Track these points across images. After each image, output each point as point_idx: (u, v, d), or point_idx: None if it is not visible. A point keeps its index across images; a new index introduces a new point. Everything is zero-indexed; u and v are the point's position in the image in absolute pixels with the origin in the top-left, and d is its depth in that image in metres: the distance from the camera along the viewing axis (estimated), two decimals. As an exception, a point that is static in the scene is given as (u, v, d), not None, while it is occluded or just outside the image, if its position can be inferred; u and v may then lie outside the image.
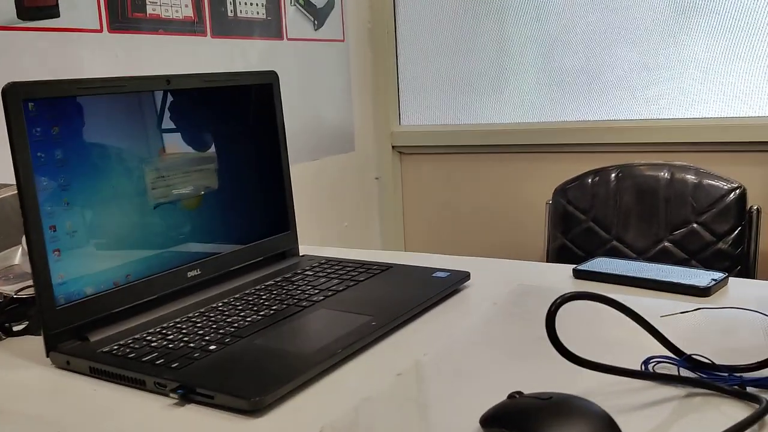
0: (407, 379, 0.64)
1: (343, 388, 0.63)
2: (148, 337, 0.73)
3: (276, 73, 0.99)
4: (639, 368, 0.61)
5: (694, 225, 1.64)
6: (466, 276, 0.90)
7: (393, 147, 2.36)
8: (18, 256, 0.96)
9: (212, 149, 0.90)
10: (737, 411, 0.54)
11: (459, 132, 2.26)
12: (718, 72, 1.94)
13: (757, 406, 0.54)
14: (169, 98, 0.85)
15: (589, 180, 1.75)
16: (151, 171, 0.82)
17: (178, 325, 0.76)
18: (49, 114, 0.72)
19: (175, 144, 0.86)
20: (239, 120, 0.95)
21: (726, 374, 0.59)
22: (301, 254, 1.04)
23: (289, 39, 1.90)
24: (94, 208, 0.76)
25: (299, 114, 1.95)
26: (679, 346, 0.62)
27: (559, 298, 0.55)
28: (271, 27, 1.84)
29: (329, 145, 2.12)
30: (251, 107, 0.96)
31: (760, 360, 0.61)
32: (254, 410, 0.59)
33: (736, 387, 0.57)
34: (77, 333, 0.73)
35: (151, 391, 0.64)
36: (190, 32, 1.60)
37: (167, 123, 0.85)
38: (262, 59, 1.80)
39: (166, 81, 0.84)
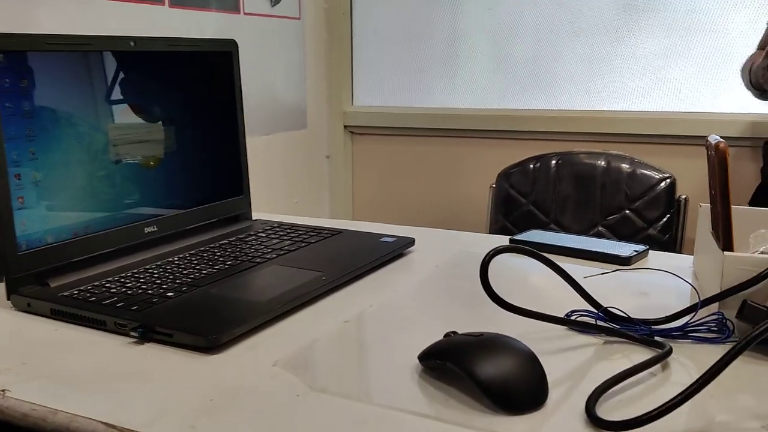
0: (353, 325, 0.70)
1: (294, 331, 0.68)
2: (107, 284, 0.76)
3: (236, 42, 1.03)
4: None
5: (627, 211, 1.74)
6: (411, 241, 0.96)
7: (345, 126, 2.41)
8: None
9: (172, 112, 0.94)
10: (645, 356, 0.61)
11: (410, 114, 2.32)
12: (656, 68, 2.04)
13: (661, 351, 0.61)
14: (134, 59, 0.88)
15: (531, 166, 1.83)
16: (114, 129, 0.85)
17: (136, 275, 0.80)
18: (19, 66, 0.74)
19: (137, 104, 0.89)
20: (199, 85, 0.98)
21: (638, 326, 0.66)
22: (254, 219, 1.08)
23: (245, 13, 1.92)
24: (58, 161, 0.78)
25: (253, 88, 1.97)
26: (599, 302, 0.69)
27: (492, 249, 0.61)
28: (229, 0, 1.86)
29: (282, 121, 2.15)
30: (211, 73, 1.00)
31: (668, 314, 0.68)
32: (211, 347, 0.63)
33: (645, 336, 0.65)
34: (38, 279, 0.77)
35: (111, 331, 0.68)
36: (149, 0, 1.61)
37: (131, 83, 0.88)
38: (218, 31, 1.82)
39: (132, 42, 0.87)
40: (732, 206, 0.69)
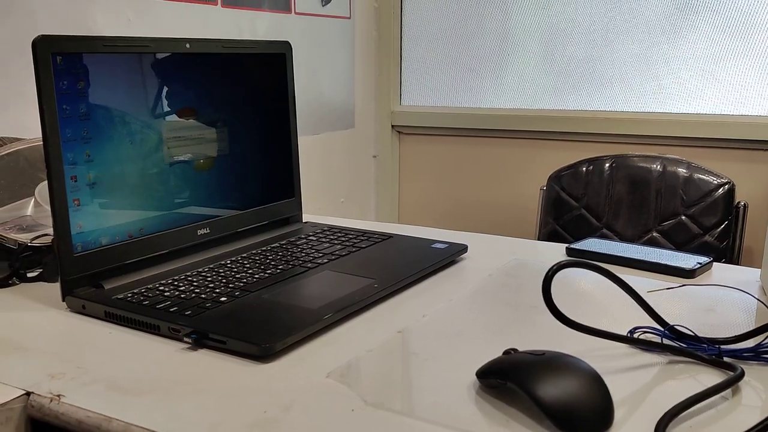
0: (408, 336, 0.68)
1: (347, 341, 0.67)
2: (161, 288, 0.76)
3: (289, 44, 1.02)
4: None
5: (683, 217, 1.69)
6: (464, 248, 0.94)
7: (392, 126, 2.39)
8: (30, 207, 0.99)
9: (226, 113, 0.93)
10: (714, 378, 0.59)
11: (458, 115, 2.29)
12: (715, 69, 1.97)
13: (732, 373, 0.58)
14: (188, 61, 0.88)
15: (584, 168, 1.79)
16: (168, 130, 0.85)
17: (189, 278, 0.80)
18: (76, 68, 0.74)
19: (191, 106, 0.88)
20: (252, 87, 0.98)
21: (705, 345, 0.63)
22: (304, 221, 1.07)
23: (296, 13, 1.92)
24: (113, 163, 0.79)
25: (302, 88, 1.97)
26: (663, 318, 0.66)
27: (556, 264, 0.59)
28: (280, 0, 1.86)
29: (330, 120, 2.15)
30: (265, 75, 0.99)
31: (737, 334, 0.65)
32: (264, 355, 0.62)
33: (714, 356, 0.62)
34: (92, 281, 0.77)
35: (164, 336, 0.68)
36: (202, 0, 1.62)
37: (185, 85, 0.87)
38: (269, 31, 1.83)
39: (187, 44, 0.87)
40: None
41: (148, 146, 0.83)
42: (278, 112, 1.02)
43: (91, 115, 0.76)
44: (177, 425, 0.51)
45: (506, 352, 0.57)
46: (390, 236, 1.00)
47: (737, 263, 1.68)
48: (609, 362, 0.62)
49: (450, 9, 2.27)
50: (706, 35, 1.96)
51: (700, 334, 0.65)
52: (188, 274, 0.81)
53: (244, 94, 0.96)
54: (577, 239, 1.77)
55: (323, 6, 2.02)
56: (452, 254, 0.92)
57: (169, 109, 0.85)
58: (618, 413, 0.53)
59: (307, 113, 2.02)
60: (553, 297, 0.61)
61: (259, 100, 0.99)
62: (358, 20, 2.21)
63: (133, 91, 0.81)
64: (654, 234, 1.71)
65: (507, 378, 0.53)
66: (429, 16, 2.31)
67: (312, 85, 2.03)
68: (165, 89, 0.85)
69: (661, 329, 0.65)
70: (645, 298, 0.66)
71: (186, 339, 0.65)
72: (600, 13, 2.08)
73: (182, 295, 0.74)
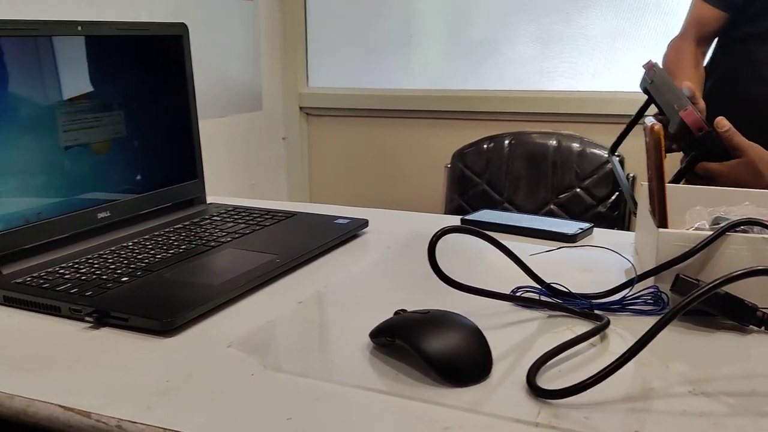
0: (307, 306, 0.72)
1: (248, 313, 0.70)
2: (61, 271, 0.77)
3: (186, 25, 1.02)
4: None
5: (577, 189, 1.78)
6: (364, 223, 0.98)
7: (300, 108, 2.41)
8: None
9: (122, 96, 0.93)
10: (585, 328, 0.65)
11: (365, 96, 2.33)
12: (606, 49, 2.09)
13: (600, 323, 0.64)
14: (81, 44, 0.87)
15: (485, 146, 1.86)
16: (63, 114, 0.85)
17: (90, 261, 0.80)
18: (-38, 52, 0.73)
19: (85, 89, 0.88)
20: (149, 69, 0.98)
21: (578, 300, 0.70)
22: (208, 203, 1.08)
23: (197, -5, 1.90)
24: (6, 148, 0.78)
25: (206, 70, 1.96)
26: (542, 278, 0.72)
27: (439, 230, 0.63)
28: (180, -19, 1.83)
29: (236, 103, 2.14)
30: (161, 57, 0.99)
31: (607, 289, 0.72)
32: (166, 330, 0.64)
33: (585, 310, 0.68)
34: (-11, 266, 0.76)
35: (66, 317, 0.68)
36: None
37: (79, 68, 0.87)
38: (169, 12, 1.80)
39: (78, 27, 0.86)
40: (669, 184, 0.72)
41: (41, 131, 0.82)
42: (177, 94, 1.02)
43: (-19, 100, 0.75)
44: (80, 397, 0.53)
45: (396, 313, 0.62)
46: (294, 214, 1.02)
47: (629, 230, 1.79)
48: (491, 319, 0.67)
49: (353, -9, 2.30)
50: (600, 16, 2.07)
51: (574, 291, 0.71)
52: (89, 257, 0.81)
53: (141, 77, 0.96)
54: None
55: (225, -12, 2.01)
56: (353, 229, 0.96)
57: (62, 93, 0.85)
58: (498, 363, 0.58)
59: (213, 96, 2.01)
60: (443, 263, 0.65)
61: (156, 82, 0.99)
62: (261, 1, 2.21)
63: (25, 75, 0.80)
64: (552, 206, 1.81)
65: (396, 336, 0.58)
66: (333, -2, 2.33)
67: (217, 68, 2.02)
68: (59, 73, 0.85)
69: (540, 287, 0.71)
70: (526, 261, 0.72)
71: (87, 318, 0.66)
72: (498, -5, 2.15)
73: (83, 277, 0.75)
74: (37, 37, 0.82)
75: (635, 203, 0.93)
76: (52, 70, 0.84)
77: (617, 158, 1.32)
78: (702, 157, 0.98)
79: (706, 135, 0.93)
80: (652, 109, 1.09)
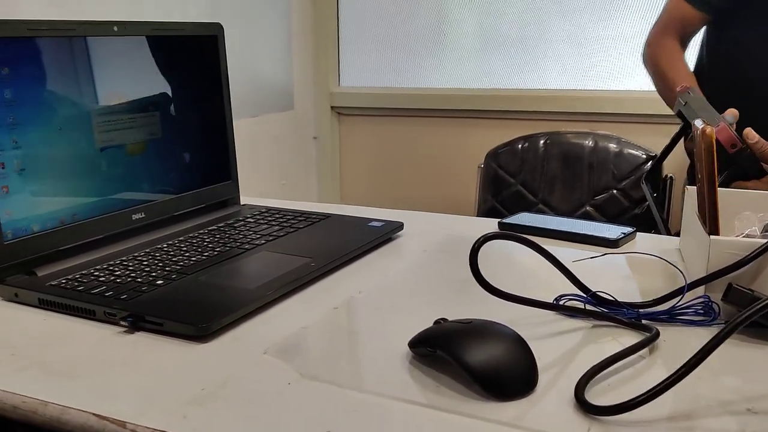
0: (343, 312, 0.70)
1: (283, 319, 0.68)
2: (96, 273, 0.76)
3: (221, 26, 1.01)
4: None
5: (614, 191, 1.75)
6: (399, 226, 0.96)
7: (332, 107, 2.39)
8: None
9: (158, 97, 0.93)
10: (632, 339, 0.62)
11: (397, 95, 2.31)
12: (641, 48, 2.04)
13: (648, 334, 0.61)
14: (117, 44, 0.86)
15: (519, 146, 1.83)
16: (98, 115, 0.84)
17: (125, 263, 0.79)
18: (0, 54, 0.73)
19: (121, 90, 0.88)
20: (184, 70, 0.97)
21: (625, 309, 0.67)
22: (242, 204, 1.08)
23: (230, -6, 1.90)
24: (42, 149, 0.78)
25: (239, 69, 1.95)
26: (587, 286, 0.69)
27: (482, 236, 0.61)
28: (213, -19, 1.83)
29: (268, 102, 2.14)
30: (197, 58, 0.99)
31: (655, 298, 0.69)
32: (201, 335, 0.63)
33: (633, 320, 0.65)
34: (24, 268, 0.76)
35: (101, 321, 0.68)
36: (131, -18, 1.59)
37: (115, 69, 0.86)
38: (202, 11, 1.80)
39: (114, 27, 0.86)
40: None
41: (77, 131, 0.82)
42: (212, 95, 1.02)
43: (18, 101, 0.75)
44: (114, 406, 0.52)
45: (436, 322, 0.60)
46: (328, 216, 1.01)
47: (667, 234, 1.75)
48: (535, 329, 0.65)
49: (386, -11, 2.28)
50: (635, 15, 2.02)
51: (620, 300, 0.68)
52: (124, 258, 0.81)
53: (176, 77, 0.95)
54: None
55: (258, -13, 2.00)
56: (388, 232, 0.94)
57: (98, 93, 0.84)
58: (543, 376, 0.56)
59: (244, 95, 2.00)
60: (482, 269, 0.63)
61: (191, 82, 0.98)
62: (294, 1, 2.20)
63: (60, 75, 0.80)
64: (587, 208, 1.77)
65: (436, 346, 0.56)
66: (365, -3, 2.31)
67: (249, 67, 2.02)
68: (94, 73, 0.84)
69: (584, 296, 0.69)
70: (569, 268, 0.69)
71: (122, 323, 0.65)
72: (533, -7, 2.12)
73: (118, 280, 0.74)
74: (72, 37, 0.81)
75: (668, 231, 0.91)
76: (88, 70, 0.83)
77: (648, 186, 1.31)
78: (736, 176, 0.97)
79: (740, 152, 0.92)
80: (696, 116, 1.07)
